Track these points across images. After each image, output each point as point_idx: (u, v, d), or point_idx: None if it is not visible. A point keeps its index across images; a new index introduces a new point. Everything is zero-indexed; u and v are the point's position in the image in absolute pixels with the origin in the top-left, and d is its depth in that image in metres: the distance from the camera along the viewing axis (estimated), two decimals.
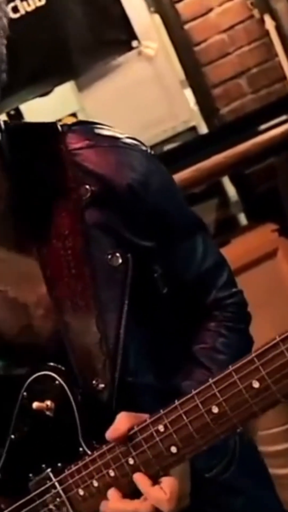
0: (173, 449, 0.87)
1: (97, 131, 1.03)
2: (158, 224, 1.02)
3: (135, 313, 0.98)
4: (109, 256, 0.97)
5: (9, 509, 1.02)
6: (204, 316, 1.09)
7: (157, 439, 0.87)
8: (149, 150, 1.04)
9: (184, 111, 3.10)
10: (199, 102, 2.99)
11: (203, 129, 3.05)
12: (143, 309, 1.00)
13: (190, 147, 2.89)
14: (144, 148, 1.04)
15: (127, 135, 1.04)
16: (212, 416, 0.82)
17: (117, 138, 1.02)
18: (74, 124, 1.04)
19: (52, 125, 1.04)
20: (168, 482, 0.89)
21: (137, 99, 3.05)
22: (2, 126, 1.01)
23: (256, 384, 0.78)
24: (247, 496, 1.10)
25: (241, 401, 0.80)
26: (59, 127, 1.03)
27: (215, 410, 0.82)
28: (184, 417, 0.85)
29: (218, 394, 0.81)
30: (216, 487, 1.04)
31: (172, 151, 2.97)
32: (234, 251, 2.52)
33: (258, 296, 2.46)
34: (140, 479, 0.90)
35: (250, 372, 0.78)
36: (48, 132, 1.03)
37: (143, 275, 1.00)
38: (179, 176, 2.58)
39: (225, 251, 1.15)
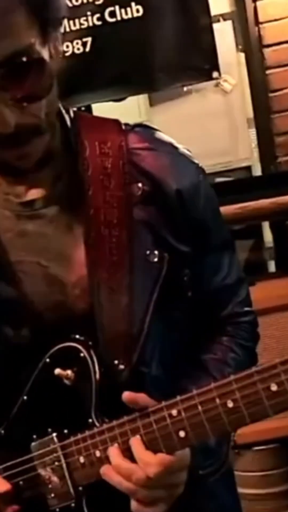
0: (181, 434, 0.91)
1: (157, 136, 1.11)
2: (197, 232, 1.09)
3: (159, 309, 1.04)
4: (148, 252, 1.04)
5: (5, 464, 1.05)
6: (218, 330, 1.15)
7: (168, 421, 0.92)
8: (200, 164, 1.12)
9: (244, 150, 3.19)
10: (260, 145, 3.05)
11: (257, 171, 3.14)
12: (167, 307, 1.06)
13: (241, 185, 2.95)
14: (196, 161, 1.12)
15: (183, 147, 1.11)
16: (226, 409, 0.88)
17: (175, 147, 1.10)
18: (136, 125, 1.12)
19: (117, 122, 1.12)
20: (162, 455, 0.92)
21: (202, 127, 3.14)
22: (72, 114, 1.09)
23: (274, 387, 0.84)
24: (218, 502, 1.14)
25: (256, 400, 0.86)
26: (123, 126, 1.11)
27: (230, 404, 0.87)
28: (199, 406, 0.90)
29: (236, 391, 0.87)
30: (201, 487, 1.07)
31: (223, 184, 3.03)
32: (257, 294, 2.57)
33: (268, 342, 2.51)
34: (136, 443, 0.93)
35: (271, 376, 0.84)
36: (112, 127, 1.10)
37: (174, 275, 1.06)
38: (223, 210, 2.62)
39: None
